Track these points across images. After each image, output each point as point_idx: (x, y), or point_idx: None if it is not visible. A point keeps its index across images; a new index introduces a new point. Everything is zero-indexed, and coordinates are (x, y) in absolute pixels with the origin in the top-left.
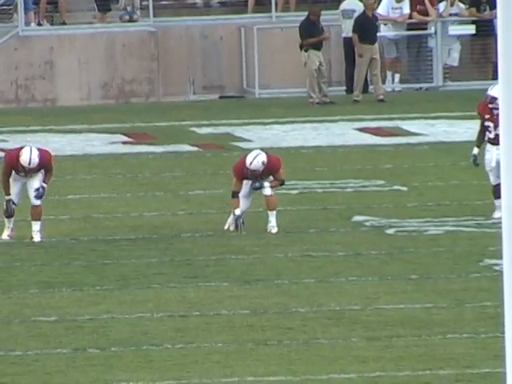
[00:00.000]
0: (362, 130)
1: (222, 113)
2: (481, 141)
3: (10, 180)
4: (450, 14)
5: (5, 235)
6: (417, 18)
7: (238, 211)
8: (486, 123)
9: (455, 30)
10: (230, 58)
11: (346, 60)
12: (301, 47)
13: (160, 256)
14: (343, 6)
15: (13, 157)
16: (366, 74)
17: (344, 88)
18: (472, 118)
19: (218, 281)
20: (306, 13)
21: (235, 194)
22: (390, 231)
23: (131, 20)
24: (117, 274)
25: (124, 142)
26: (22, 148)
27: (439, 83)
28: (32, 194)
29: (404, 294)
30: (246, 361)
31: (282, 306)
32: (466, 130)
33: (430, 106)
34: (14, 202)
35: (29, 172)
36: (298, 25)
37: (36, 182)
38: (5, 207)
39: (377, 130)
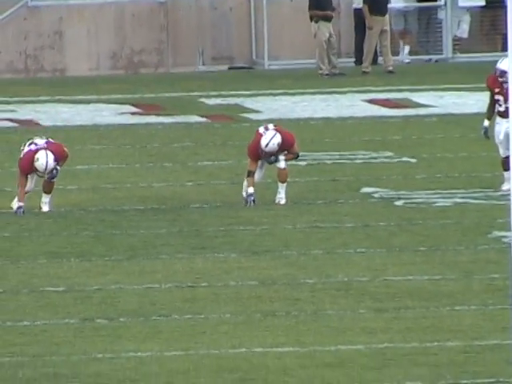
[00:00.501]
0: (371, 101)
1: (231, 84)
2: (491, 113)
3: None
4: None
5: (15, 203)
6: None
7: (251, 189)
8: (496, 97)
9: (465, 1)
10: (239, 28)
11: (355, 31)
12: (311, 18)
13: (168, 227)
14: None
15: (27, 163)
16: (376, 46)
17: (353, 59)
18: (481, 89)
19: (227, 252)
20: None
21: (251, 173)
22: (399, 203)
23: None
24: (125, 244)
25: (133, 113)
26: (35, 151)
27: (449, 55)
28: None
29: (412, 265)
30: (254, 332)
31: (290, 277)
32: (475, 101)
33: (439, 78)
34: (23, 211)
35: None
36: None
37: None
38: (14, 210)
39: (386, 101)
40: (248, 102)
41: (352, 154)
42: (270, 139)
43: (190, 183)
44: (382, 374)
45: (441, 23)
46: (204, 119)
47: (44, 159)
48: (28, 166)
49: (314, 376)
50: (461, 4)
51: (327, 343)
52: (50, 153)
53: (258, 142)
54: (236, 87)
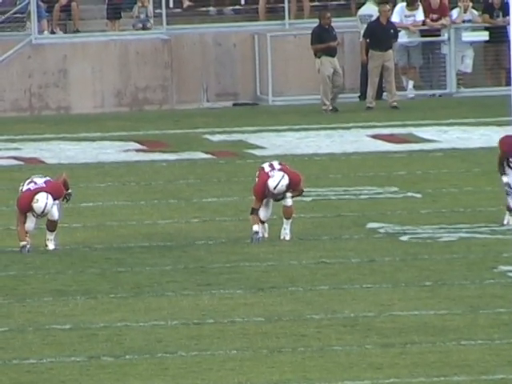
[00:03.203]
0: (375, 136)
1: (236, 120)
2: (504, 169)
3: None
4: (463, 21)
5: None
6: (430, 24)
7: (256, 227)
8: None
9: (468, 36)
10: (243, 65)
11: (362, 66)
12: (315, 54)
13: (174, 264)
14: (361, 11)
15: (26, 202)
16: (381, 81)
17: (358, 94)
18: (485, 124)
19: (232, 288)
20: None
21: (254, 211)
22: (404, 238)
23: (144, 28)
24: (131, 281)
25: (138, 150)
26: (35, 192)
27: (453, 90)
28: (52, 209)
29: (418, 300)
30: (261, 368)
31: (297, 313)
32: (479, 136)
33: (443, 113)
34: (28, 250)
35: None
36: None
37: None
38: (19, 250)
39: (390, 136)
40: (252, 138)
41: (357, 190)
42: (279, 182)
43: (196, 220)
44: None
45: (444, 58)
46: (209, 156)
47: (43, 202)
48: (27, 205)
49: None
50: (464, 39)
51: (334, 379)
52: (50, 196)
53: (265, 183)
54: (240, 123)
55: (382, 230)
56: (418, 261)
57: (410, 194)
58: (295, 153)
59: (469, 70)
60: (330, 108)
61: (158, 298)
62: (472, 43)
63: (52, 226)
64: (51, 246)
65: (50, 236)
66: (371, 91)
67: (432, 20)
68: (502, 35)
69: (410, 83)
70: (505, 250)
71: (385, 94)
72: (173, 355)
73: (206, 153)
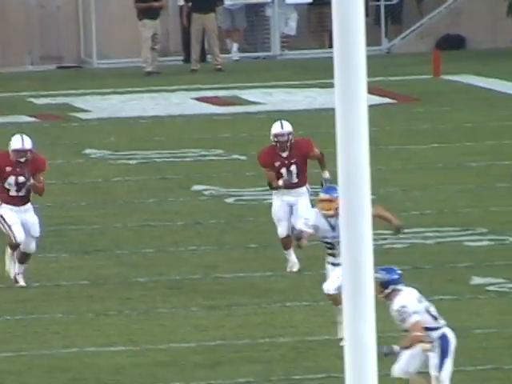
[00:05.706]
0: (200, 99)
1: (60, 83)
2: None
3: (4, 211)
4: None
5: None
6: None
7: (280, 182)
8: None
9: None
10: (67, 27)
11: (183, 29)
12: (138, 16)
13: None
14: None
15: (3, 155)
16: (204, 43)
17: (182, 57)
18: (309, 86)
19: (57, 251)
20: None
21: (272, 185)
22: (230, 200)
23: None
24: None
25: None
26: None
27: (277, 52)
28: (31, 242)
29: (243, 262)
30: (86, 331)
31: (122, 276)
32: (303, 98)
33: (267, 75)
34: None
35: (22, 168)
36: None
37: (33, 218)
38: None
39: (215, 99)
40: (77, 102)
41: (182, 152)
42: (281, 122)
43: None
44: (215, 372)
45: (268, 20)
46: (33, 119)
47: (19, 138)
48: (3, 156)
49: (146, 374)
50: (288, 1)
51: (159, 341)
52: (24, 135)
53: (269, 149)
54: (65, 86)
55: (207, 193)
56: (243, 223)
57: (234, 156)
58: (120, 116)
59: (293, 32)
60: (149, 70)
61: None
62: (296, 6)
63: (26, 258)
64: (22, 282)
65: (21, 269)
66: (194, 54)
67: None
68: None
69: (235, 46)
70: None
71: (209, 56)
72: None
73: (31, 116)
